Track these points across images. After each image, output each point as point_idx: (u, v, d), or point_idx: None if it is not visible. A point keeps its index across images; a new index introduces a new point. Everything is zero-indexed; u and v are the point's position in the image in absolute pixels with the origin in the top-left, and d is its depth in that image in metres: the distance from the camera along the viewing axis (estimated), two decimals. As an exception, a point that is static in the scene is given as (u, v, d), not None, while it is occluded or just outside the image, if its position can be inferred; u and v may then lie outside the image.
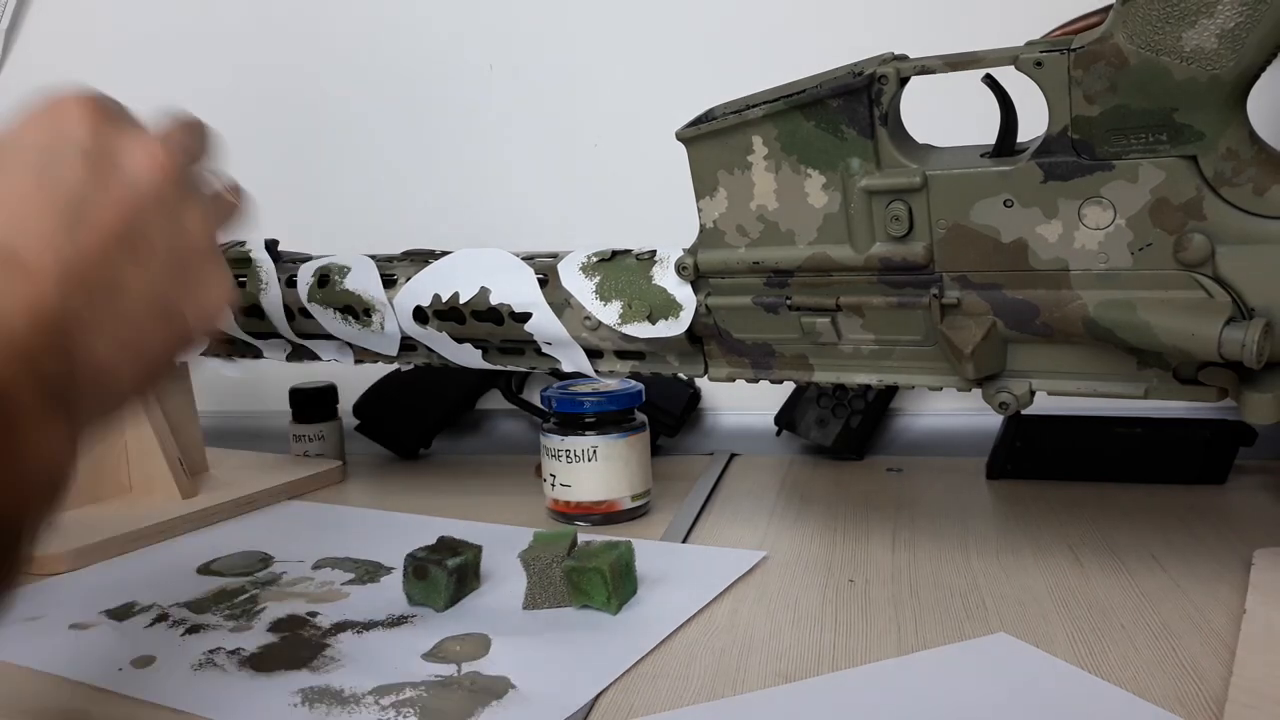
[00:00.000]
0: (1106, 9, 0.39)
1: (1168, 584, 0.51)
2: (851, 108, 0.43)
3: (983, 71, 0.43)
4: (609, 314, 0.52)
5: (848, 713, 0.40)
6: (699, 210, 0.49)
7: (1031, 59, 0.40)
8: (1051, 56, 0.40)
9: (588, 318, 0.53)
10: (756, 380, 0.51)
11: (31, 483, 0.30)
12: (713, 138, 0.48)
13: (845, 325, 0.47)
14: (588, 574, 0.50)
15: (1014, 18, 0.73)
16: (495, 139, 0.91)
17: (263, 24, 0.95)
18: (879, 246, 0.45)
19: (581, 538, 0.54)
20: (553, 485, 0.66)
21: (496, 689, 0.43)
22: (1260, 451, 0.68)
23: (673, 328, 0.50)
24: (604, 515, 0.65)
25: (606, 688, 0.43)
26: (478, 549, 0.55)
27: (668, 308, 0.50)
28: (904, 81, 0.44)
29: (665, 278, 0.51)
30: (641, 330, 0.51)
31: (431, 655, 0.47)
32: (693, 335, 0.51)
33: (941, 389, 0.46)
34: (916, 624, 0.48)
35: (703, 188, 0.49)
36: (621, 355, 0.55)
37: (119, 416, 0.37)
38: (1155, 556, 0.55)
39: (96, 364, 0.33)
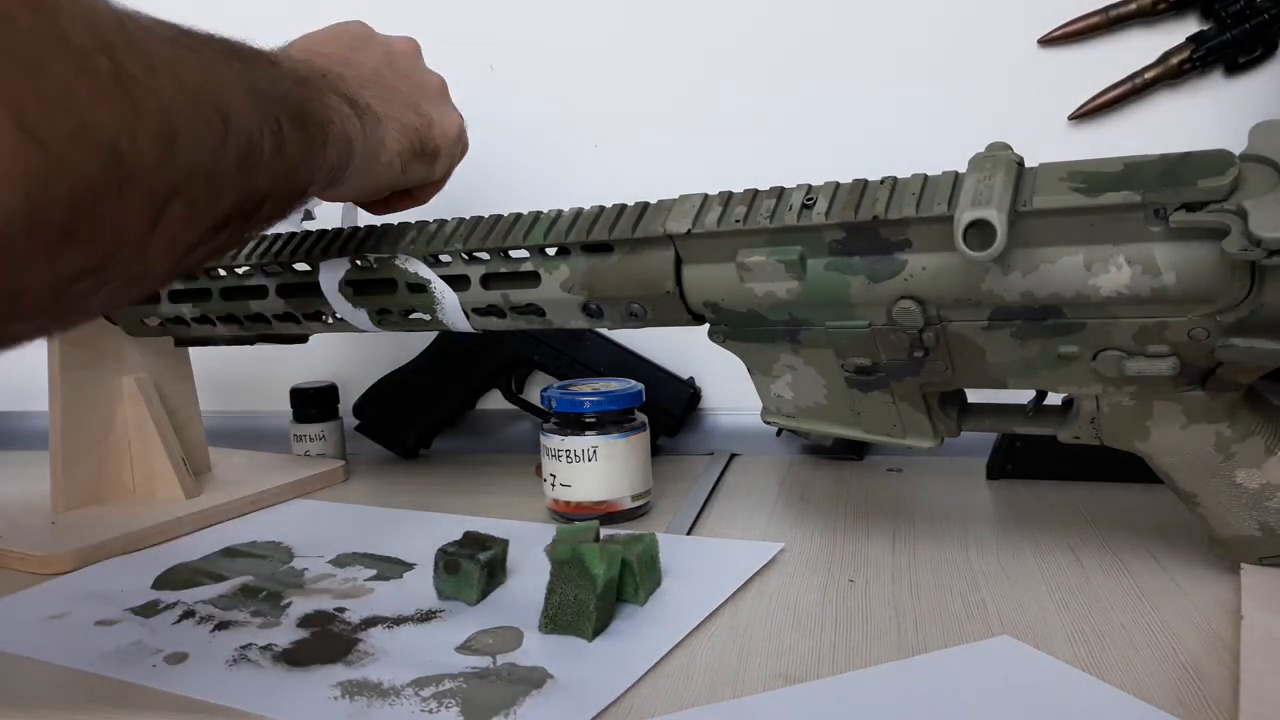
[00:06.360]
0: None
1: (1168, 584, 0.51)
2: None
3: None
4: None
5: (851, 716, 0.40)
6: None
7: None
8: None
9: None
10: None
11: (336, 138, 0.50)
12: None
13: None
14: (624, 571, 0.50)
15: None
16: (495, 139, 0.91)
17: (260, 22, 0.95)
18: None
19: (602, 533, 0.54)
20: (553, 485, 0.67)
21: (535, 679, 0.43)
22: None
23: None
24: (604, 515, 0.65)
25: (644, 675, 0.43)
26: (504, 543, 0.55)
27: None
28: None
29: None
30: None
31: (465, 648, 0.47)
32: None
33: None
34: (916, 624, 0.48)
35: None
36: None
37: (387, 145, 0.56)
38: (1155, 557, 0.55)
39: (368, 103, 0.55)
